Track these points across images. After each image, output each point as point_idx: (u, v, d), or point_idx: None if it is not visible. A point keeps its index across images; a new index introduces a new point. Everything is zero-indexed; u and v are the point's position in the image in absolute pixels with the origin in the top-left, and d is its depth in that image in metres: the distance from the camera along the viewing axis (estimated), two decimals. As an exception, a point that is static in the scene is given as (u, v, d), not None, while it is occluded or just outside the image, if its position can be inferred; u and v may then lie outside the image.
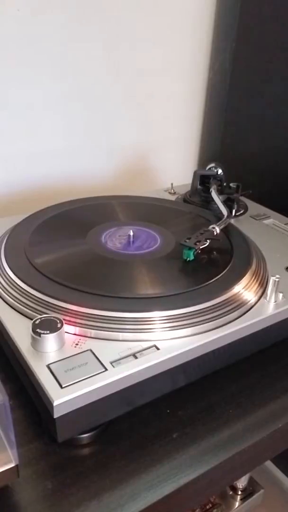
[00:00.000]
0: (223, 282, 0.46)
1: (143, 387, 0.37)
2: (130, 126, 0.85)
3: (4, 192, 0.76)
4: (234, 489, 0.76)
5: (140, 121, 0.85)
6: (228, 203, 0.64)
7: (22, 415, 0.41)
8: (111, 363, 0.36)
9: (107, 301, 0.42)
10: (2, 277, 0.46)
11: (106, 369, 0.36)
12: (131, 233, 0.53)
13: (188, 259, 0.49)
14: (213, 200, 0.62)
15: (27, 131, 0.74)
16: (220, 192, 0.64)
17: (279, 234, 0.59)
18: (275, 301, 0.45)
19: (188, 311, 0.41)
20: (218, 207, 0.60)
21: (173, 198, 0.70)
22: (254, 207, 0.68)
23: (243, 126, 0.86)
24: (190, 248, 0.48)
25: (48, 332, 0.36)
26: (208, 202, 0.65)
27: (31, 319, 0.38)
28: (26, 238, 0.52)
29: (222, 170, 0.66)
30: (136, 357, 0.37)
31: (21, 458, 0.36)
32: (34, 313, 0.40)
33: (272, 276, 0.44)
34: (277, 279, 0.44)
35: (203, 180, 0.67)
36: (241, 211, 0.66)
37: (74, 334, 0.39)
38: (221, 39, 0.86)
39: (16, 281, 0.44)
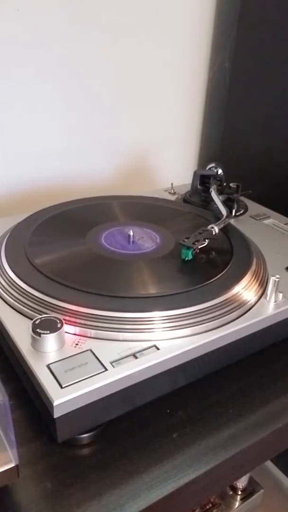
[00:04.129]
0: (223, 282, 0.46)
1: (143, 387, 0.37)
2: (130, 126, 0.85)
3: (4, 192, 0.76)
4: (234, 489, 0.75)
5: (140, 121, 0.85)
6: (228, 203, 0.64)
7: (22, 415, 0.41)
8: (111, 363, 0.36)
9: (107, 301, 0.42)
10: (2, 277, 0.46)
11: (106, 369, 0.36)
12: (131, 233, 0.53)
13: (186, 258, 0.49)
14: (213, 200, 0.63)
15: (27, 131, 0.74)
16: (220, 192, 0.64)
17: (279, 234, 0.59)
18: (275, 301, 0.45)
19: (188, 311, 0.41)
20: (218, 207, 0.61)
21: (173, 198, 0.70)
22: (254, 207, 0.68)
23: (243, 126, 0.86)
24: (188, 248, 0.49)
25: (48, 332, 0.36)
26: (208, 202, 0.65)
27: (31, 319, 0.38)
28: (26, 238, 0.52)
29: (222, 170, 0.66)
30: (136, 357, 0.37)
31: (21, 458, 0.36)
32: (34, 313, 0.40)
33: (272, 276, 0.44)
34: (277, 279, 0.44)
35: (203, 180, 0.67)
36: (241, 211, 0.66)
37: (74, 334, 0.39)
38: (221, 39, 0.86)
39: (16, 281, 0.44)
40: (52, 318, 0.38)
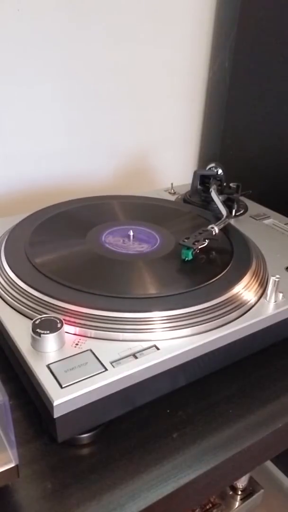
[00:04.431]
0: (223, 282, 0.46)
1: (143, 387, 0.37)
2: (130, 126, 0.85)
3: (4, 192, 0.76)
4: (234, 489, 0.76)
5: (140, 121, 0.85)
6: (228, 203, 0.64)
7: (22, 415, 0.41)
8: (111, 363, 0.36)
9: (107, 301, 0.42)
10: (2, 277, 0.46)
11: (106, 369, 0.36)
12: (131, 233, 0.53)
13: (186, 258, 0.49)
14: (213, 200, 0.63)
15: (27, 131, 0.74)
16: (220, 192, 0.64)
17: (279, 234, 0.59)
18: (275, 301, 0.45)
19: (188, 311, 0.41)
20: (218, 207, 0.61)
21: (173, 198, 0.70)
22: (254, 207, 0.68)
23: (243, 126, 0.86)
24: (188, 248, 0.49)
25: (48, 332, 0.36)
26: (208, 202, 0.65)
27: (31, 319, 0.38)
28: (26, 238, 0.52)
29: (222, 170, 0.66)
30: (136, 357, 0.37)
31: (21, 458, 0.36)
32: (34, 313, 0.40)
33: (272, 276, 0.44)
34: (277, 279, 0.44)
35: (203, 180, 0.67)
36: (241, 211, 0.66)
37: (74, 334, 0.39)
38: (220, 39, 0.86)
39: (16, 281, 0.44)
40: (52, 318, 0.38)
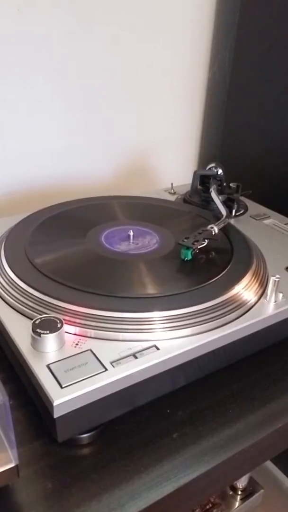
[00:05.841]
0: (223, 282, 0.46)
1: (143, 387, 0.37)
2: (130, 126, 0.85)
3: (4, 192, 0.76)
4: (234, 489, 0.75)
5: (140, 121, 0.85)
6: (228, 203, 0.64)
7: (22, 415, 0.41)
8: (111, 363, 0.36)
9: (107, 301, 0.42)
10: (2, 277, 0.46)
11: (106, 369, 0.36)
12: (131, 233, 0.53)
13: (186, 258, 0.49)
14: (213, 200, 0.63)
15: (28, 130, 0.74)
16: (220, 192, 0.64)
17: (279, 234, 0.59)
18: (275, 301, 0.45)
19: (188, 311, 0.41)
20: (218, 207, 0.61)
21: (173, 198, 0.70)
22: (254, 207, 0.68)
23: (243, 126, 0.86)
24: (187, 248, 0.49)
25: (48, 332, 0.36)
26: (208, 202, 0.65)
27: (31, 319, 0.38)
28: (26, 238, 0.52)
29: (222, 170, 0.66)
30: (136, 357, 0.37)
31: (21, 458, 0.36)
32: (34, 313, 0.40)
33: (272, 276, 0.44)
34: (277, 279, 0.44)
35: (203, 180, 0.67)
36: (241, 211, 0.66)
37: (74, 334, 0.39)
38: (220, 39, 0.86)
39: (16, 281, 0.44)
40: (52, 318, 0.38)
